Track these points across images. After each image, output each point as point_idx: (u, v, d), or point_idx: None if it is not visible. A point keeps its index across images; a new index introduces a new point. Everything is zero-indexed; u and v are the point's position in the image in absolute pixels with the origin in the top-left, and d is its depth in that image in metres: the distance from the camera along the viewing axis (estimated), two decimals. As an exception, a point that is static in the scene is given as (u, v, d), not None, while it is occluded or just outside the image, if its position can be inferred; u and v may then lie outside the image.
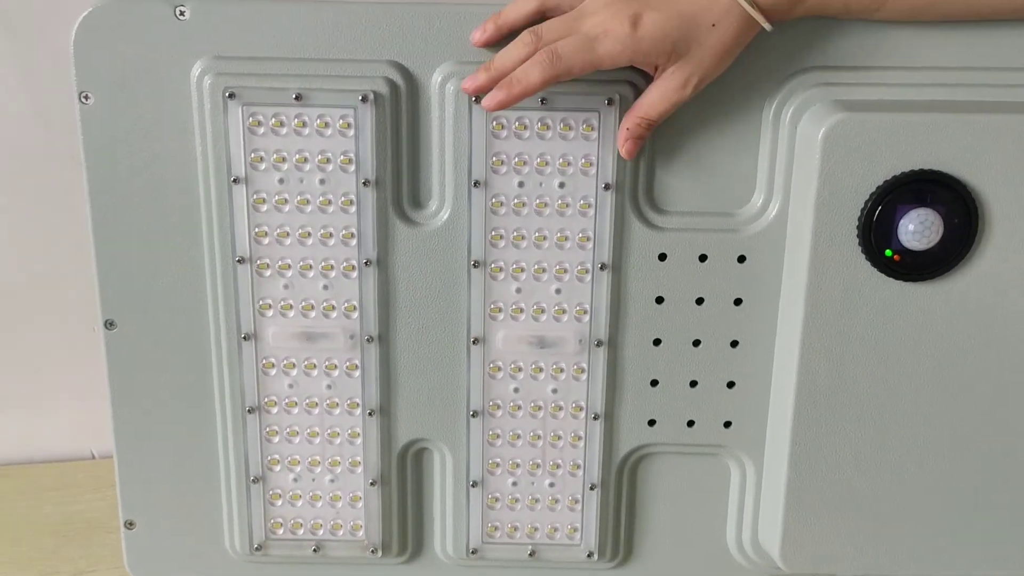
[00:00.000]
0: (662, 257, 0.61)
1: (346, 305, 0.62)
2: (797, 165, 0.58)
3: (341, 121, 0.58)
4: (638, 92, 0.57)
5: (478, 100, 0.57)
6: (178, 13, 0.57)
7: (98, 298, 0.62)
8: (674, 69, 0.54)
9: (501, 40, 0.56)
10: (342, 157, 0.59)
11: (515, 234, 0.60)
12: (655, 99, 0.55)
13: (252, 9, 0.57)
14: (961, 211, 0.56)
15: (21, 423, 0.88)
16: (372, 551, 0.66)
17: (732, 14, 0.53)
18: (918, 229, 0.56)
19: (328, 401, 0.64)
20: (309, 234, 0.60)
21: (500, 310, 0.62)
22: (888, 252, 0.57)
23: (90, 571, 0.73)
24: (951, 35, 0.57)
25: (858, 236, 0.57)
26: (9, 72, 0.78)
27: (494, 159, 0.59)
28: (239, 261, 0.61)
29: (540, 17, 0.56)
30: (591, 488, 0.65)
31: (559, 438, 0.64)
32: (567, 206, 0.60)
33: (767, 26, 0.54)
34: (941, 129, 0.55)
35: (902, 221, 0.56)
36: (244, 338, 0.62)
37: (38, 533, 0.78)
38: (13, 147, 0.80)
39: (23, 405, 0.88)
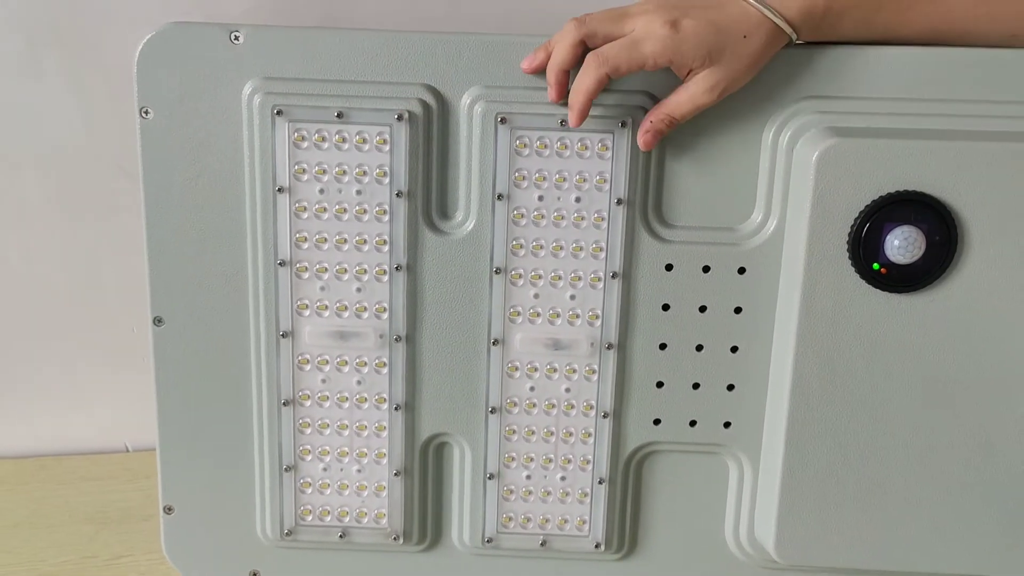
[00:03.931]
0: (668, 267, 0.65)
1: (377, 307, 0.66)
2: (793, 185, 0.62)
3: (378, 137, 0.63)
4: (649, 116, 0.62)
5: (564, 123, 0.61)
6: (233, 38, 0.62)
7: (148, 296, 0.67)
8: (705, 74, 0.58)
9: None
10: (378, 170, 0.63)
11: (534, 244, 0.65)
12: (683, 100, 0.59)
13: (300, 35, 0.62)
14: (942, 229, 0.60)
15: (60, 418, 0.91)
16: (394, 538, 0.70)
17: (763, 27, 0.58)
18: (903, 245, 0.61)
19: (357, 396, 0.68)
20: (345, 240, 0.65)
21: (519, 314, 0.66)
22: (875, 265, 0.61)
23: (126, 555, 0.77)
24: (937, 68, 0.61)
25: (848, 250, 0.61)
26: (64, 87, 0.82)
27: (516, 174, 0.63)
28: (280, 264, 0.65)
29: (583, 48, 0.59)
30: (599, 482, 0.69)
31: (571, 435, 0.68)
32: (582, 219, 0.64)
33: (794, 36, 0.59)
34: (924, 154, 0.60)
35: (888, 237, 0.61)
36: (282, 336, 0.67)
37: (76, 520, 0.81)
38: (63, 157, 0.84)
39: (62, 401, 0.91)
